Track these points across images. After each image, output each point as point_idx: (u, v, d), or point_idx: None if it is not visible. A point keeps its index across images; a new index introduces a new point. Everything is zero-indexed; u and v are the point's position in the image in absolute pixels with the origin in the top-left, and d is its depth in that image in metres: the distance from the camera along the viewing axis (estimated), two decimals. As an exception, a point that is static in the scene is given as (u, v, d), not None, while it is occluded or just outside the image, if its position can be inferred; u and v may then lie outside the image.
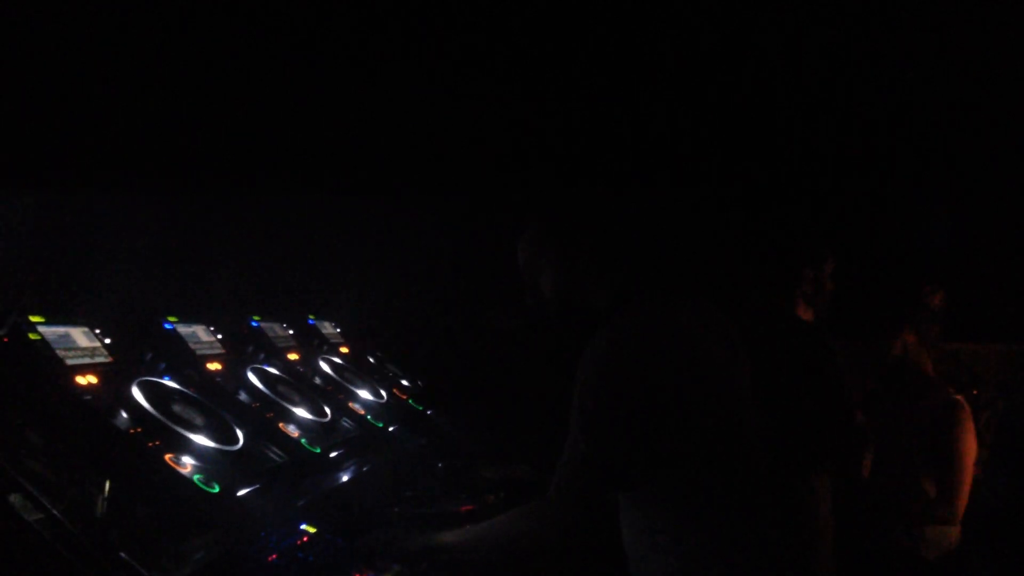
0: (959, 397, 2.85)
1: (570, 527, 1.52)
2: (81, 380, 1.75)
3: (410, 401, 3.07)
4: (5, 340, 1.72)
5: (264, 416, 2.16)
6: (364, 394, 2.80)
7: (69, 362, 1.77)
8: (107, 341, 1.96)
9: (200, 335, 2.34)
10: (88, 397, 1.71)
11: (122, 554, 1.34)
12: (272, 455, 2.01)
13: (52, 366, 1.72)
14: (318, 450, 2.14)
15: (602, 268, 1.60)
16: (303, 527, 1.86)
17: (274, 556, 1.69)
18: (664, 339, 1.46)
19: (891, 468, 2.88)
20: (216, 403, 2.04)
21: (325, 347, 3.05)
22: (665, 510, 1.47)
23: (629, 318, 1.50)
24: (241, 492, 1.77)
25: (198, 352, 2.24)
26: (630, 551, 1.57)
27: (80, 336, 1.88)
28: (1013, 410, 2.30)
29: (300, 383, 2.52)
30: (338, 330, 3.33)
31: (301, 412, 2.29)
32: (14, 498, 1.31)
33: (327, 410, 2.41)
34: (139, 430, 1.72)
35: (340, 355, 3.08)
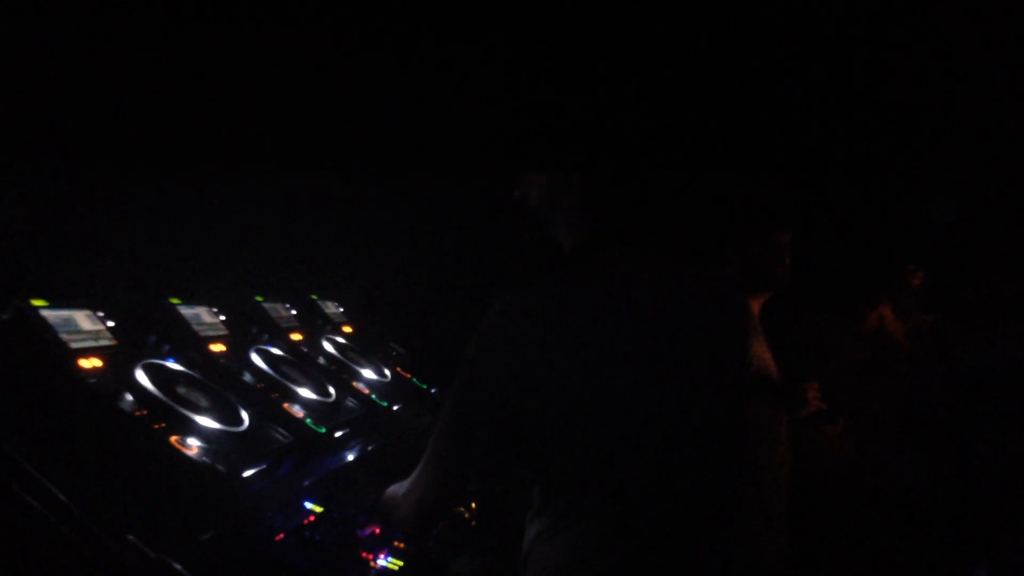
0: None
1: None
2: (85, 363, 1.75)
3: (414, 380, 3.08)
4: (8, 324, 1.72)
5: (269, 397, 2.17)
6: (368, 373, 2.80)
7: (73, 346, 1.77)
8: (110, 324, 1.96)
9: (203, 316, 2.34)
10: (92, 380, 1.72)
11: (129, 536, 1.35)
12: (277, 435, 2.02)
13: (56, 350, 1.72)
14: (323, 430, 2.14)
15: (575, 218, 1.53)
16: (309, 507, 1.87)
17: (281, 536, 1.71)
18: (554, 323, 1.38)
19: (870, 436, 2.91)
20: (220, 384, 2.05)
21: (328, 327, 3.05)
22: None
23: (534, 291, 1.42)
24: (247, 473, 1.77)
25: (201, 333, 2.25)
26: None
27: (83, 319, 1.88)
28: (917, 382, 2.30)
29: (304, 363, 2.52)
30: (341, 309, 3.33)
31: (305, 392, 2.29)
32: (20, 482, 1.32)
33: (331, 390, 2.42)
34: (144, 413, 1.72)
35: (344, 334, 3.08)
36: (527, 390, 1.34)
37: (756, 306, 2.67)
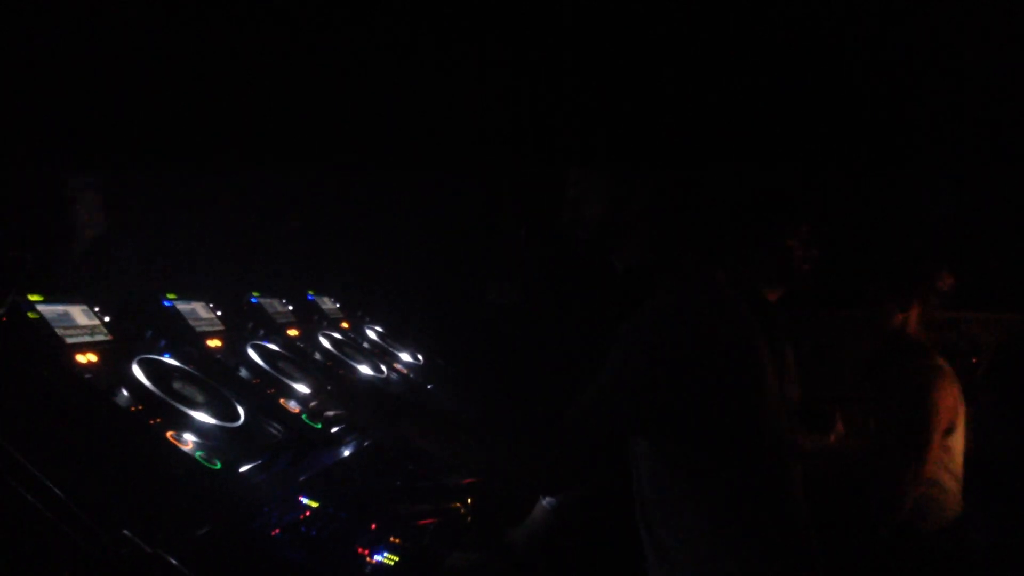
0: (943, 363, 2.87)
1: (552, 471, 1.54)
2: (81, 359, 1.75)
3: (410, 376, 3.08)
4: (4, 319, 1.72)
5: (265, 392, 2.17)
6: (365, 369, 2.80)
7: (69, 341, 1.77)
8: (106, 319, 1.96)
9: (200, 312, 2.34)
10: (88, 375, 1.72)
11: (125, 531, 1.35)
12: (273, 431, 2.02)
13: (52, 345, 1.72)
14: (319, 425, 2.15)
15: (652, 223, 1.59)
16: (305, 502, 1.87)
17: (277, 531, 1.71)
18: (728, 319, 1.50)
19: (882, 436, 2.91)
20: (216, 380, 2.05)
21: (325, 323, 3.05)
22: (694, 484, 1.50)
23: (696, 290, 1.52)
24: (243, 468, 1.77)
25: (198, 329, 2.25)
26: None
27: (79, 314, 1.88)
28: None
29: (300, 359, 2.52)
30: (337, 305, 3.33)
31: (302, 388, 2.29)
32: (16, 477, 1.32)
33: (328, 386, 2.41)
34: (140, 408, 1.72)
35: (340, 330, 3.08)
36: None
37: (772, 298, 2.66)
